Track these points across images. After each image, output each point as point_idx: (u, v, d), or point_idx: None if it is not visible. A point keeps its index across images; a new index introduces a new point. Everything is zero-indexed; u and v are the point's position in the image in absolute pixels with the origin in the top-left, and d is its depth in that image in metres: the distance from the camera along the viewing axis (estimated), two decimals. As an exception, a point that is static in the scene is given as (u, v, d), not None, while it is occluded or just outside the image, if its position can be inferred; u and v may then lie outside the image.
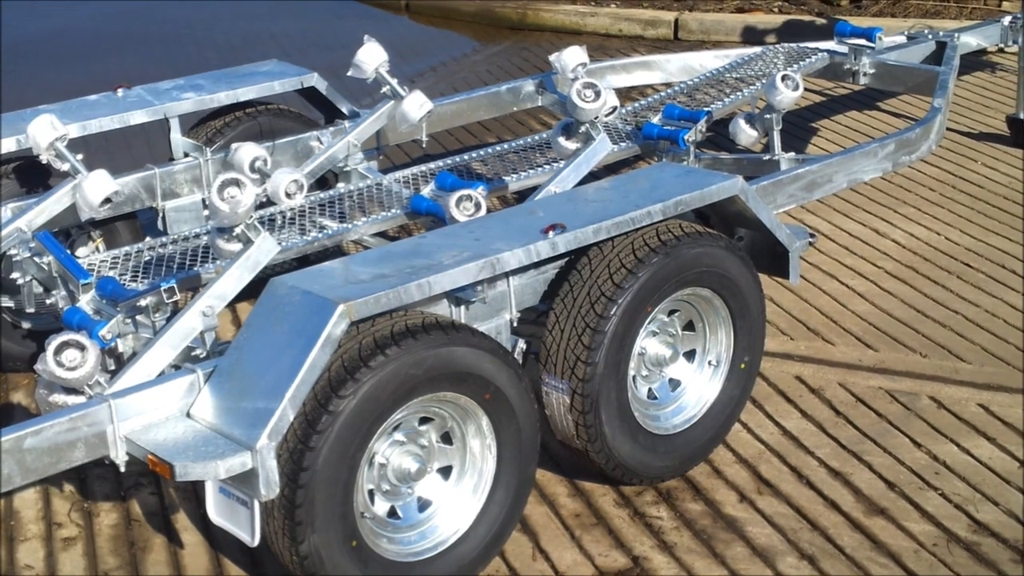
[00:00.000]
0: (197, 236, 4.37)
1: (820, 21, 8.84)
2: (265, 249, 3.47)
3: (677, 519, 3.62)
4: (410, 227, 5.07)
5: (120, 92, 4.77)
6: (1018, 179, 6.06)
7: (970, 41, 6.39)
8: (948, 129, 6.30)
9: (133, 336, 3.48)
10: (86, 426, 2.95)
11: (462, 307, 3.37)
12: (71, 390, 3.12)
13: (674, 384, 3.81)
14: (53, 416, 2.93)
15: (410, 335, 3.03)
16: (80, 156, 4.12)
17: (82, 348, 3.07)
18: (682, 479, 3.79)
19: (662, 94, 5.68)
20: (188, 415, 3.06)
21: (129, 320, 3.48)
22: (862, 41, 5.89)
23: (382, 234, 4.59)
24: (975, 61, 7.62)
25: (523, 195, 4.89)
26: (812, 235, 4.17)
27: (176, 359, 3.31)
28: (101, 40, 9.65)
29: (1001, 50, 7.43)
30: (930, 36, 6.22)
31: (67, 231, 4.51)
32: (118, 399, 3.00)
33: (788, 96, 4.81)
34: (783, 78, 4.80)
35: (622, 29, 9.42)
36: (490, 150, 5.20)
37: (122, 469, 3.02)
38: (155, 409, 3.04)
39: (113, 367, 3.42)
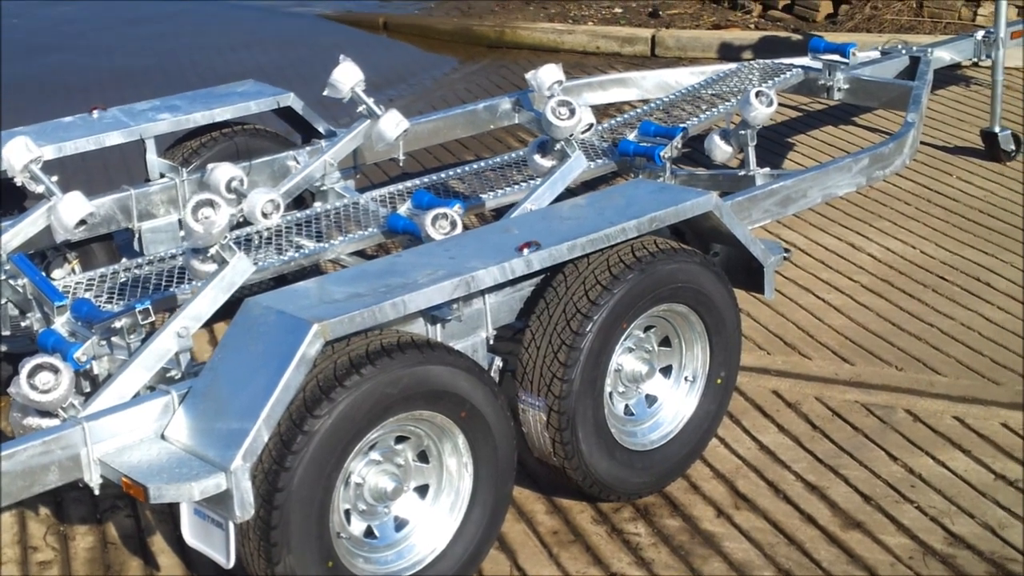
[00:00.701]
0: (173, 257, 4.36)
1: (796, 37, 8.89)
2: (240, 269, 3.47)
3: (655, 535, 3.62)
4: (388, 246, 5.06)
5: (95, 113, 4.77)
6: (993, 192, 6.10)
7: (943, 56, 6.43)
8: (923, 143, 6.34)
9: (108, 358, 3.47)
10: (60, 449, 2.94)
11: (438, 325, 3.37)
12: (45, 413, 3.11)
13: (651, 400, 3.82)
14: (27, 439, 2.91)
15: (385, 354, 3.04)
16: (55, 178, 4.11)
17: (56, 371, 3.06)
18: (659, 495, 3.80)
19: (638, 111, 5.71)
20: (163, 437, 3.05)
21: (104, 342, 3.47)
22: (836, 57, 5.93)
23: (360, 253, 4.59)
24: (950, 75, 7.68)
25: (501, 212, 4.90)
26: (787, 250, 4.19)
27: (151, 380, 3.30)
28: (99, 75, 9.55)
29: (976, 64, 7.48)
30: (904, 51, 6.27)
31: (43, 253, 4.50)
32: (92, 422, 2.99)
33: (762, 112, 4.84)
34: (757, 94, 4.83)
35: (599, 47, 9.46)
36: (467, 168, 5.21)
37: (96, 492, 3.02)
38: (129, 431, 3.03)
39: (89, 389, 3.41)
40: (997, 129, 6.45)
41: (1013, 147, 6.48)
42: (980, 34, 6.59)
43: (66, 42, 10.63)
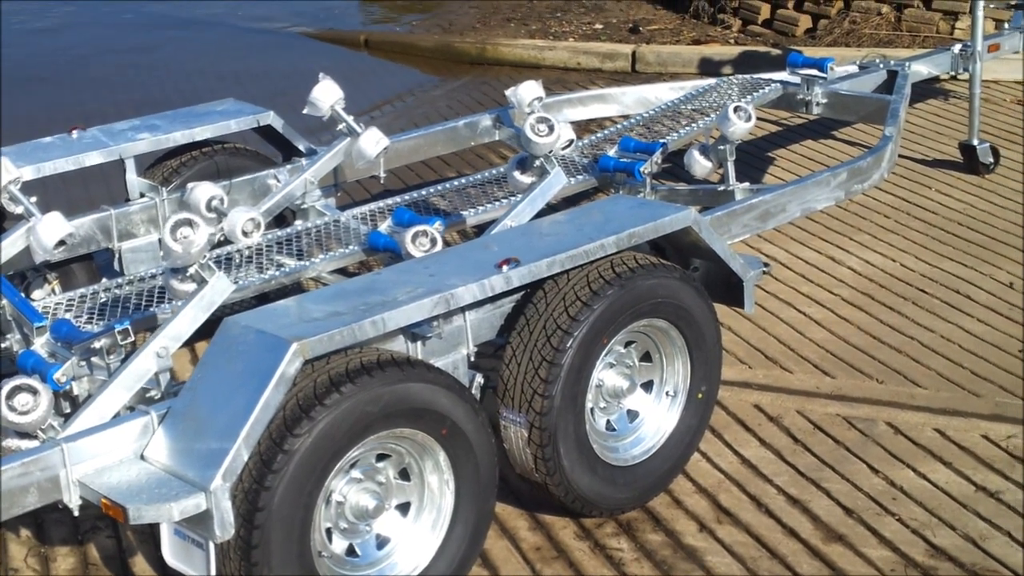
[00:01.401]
0: (153, 277, 4.35)
1: (775, 52, 8.93)
2: (219, 289, 3.46)
3: (637, 550, 3.62)
4: (370, 263, 5.06)
5: (75, 134, 4.76)
6: (971, 205, 6.14)
7: (921, 70, 6.46)
8: (902, 156, 6.38)
9: (88, 378, 3.46)
10: (39, 471, 2.93)
11: (418, 343, 3.37)
12: (24, 434, 3.10)
13: (632, 415, 3.82)
14: (5, 461, 2.90)
15: (365, 372, 3.03)
16: (34, 199, 4.11)
17: (34, 392, 3.06)
18: (642, 510, 3.80)
19: (618, 126, 5.73)
20: (142, 457, 3.04)
21: (84, 362, 3.46)
22: (814, 71, 5.96)
23: (341, 271, 4.59)
24: (928, 89, 7.72)
25: (481, 229, 4.91)
26: (767, 264, 4.20)
27: (131, 401, 3.30)
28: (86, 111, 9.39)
29: (954, 77, 7.53)
30: (881, 65, 6.30)
31: (23, 273, 4.49)
32: (71, 443, 2.98)
33: (741, 127, 4.86)
34: (735, 109, 4.86)
35: (580, 62, 9.49)
36: (449, 185, 5.22)
37: (75, 513, 3.01)
38: (109, 452, 3.02)
39: (68, 410, 3.39)
40: (975, 142, 6.50)
41: (991, 160, 6.52)
42: (957, 47, 6.63)
43: (61, 72, 10.53)
